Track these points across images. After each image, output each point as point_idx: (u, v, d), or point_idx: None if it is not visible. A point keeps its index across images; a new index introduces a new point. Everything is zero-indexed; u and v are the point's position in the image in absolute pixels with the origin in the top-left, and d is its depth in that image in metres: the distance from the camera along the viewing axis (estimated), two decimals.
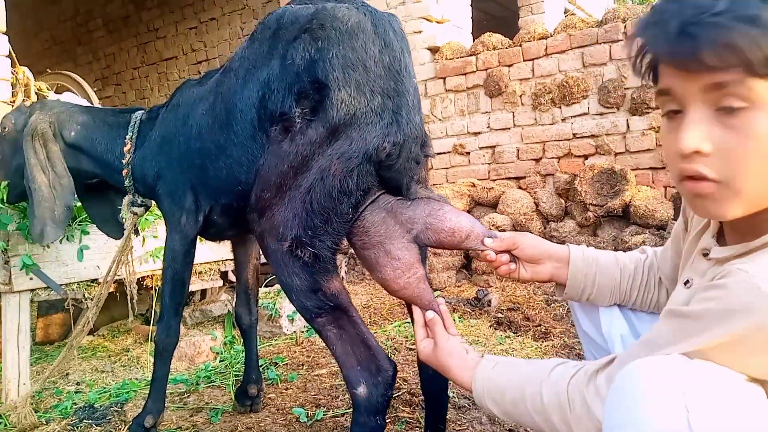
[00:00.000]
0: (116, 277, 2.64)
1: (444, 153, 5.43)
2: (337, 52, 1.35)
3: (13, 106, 3.70)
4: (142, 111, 2.22)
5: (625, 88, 4.44)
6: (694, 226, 1.10)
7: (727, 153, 0.82)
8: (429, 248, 1.55)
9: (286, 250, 1.39)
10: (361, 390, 1.34)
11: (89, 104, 4.05)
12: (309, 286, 1.39)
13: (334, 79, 1.34)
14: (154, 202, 2.24)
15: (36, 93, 3.98)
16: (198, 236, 2.00)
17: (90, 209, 2.47)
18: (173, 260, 1.98)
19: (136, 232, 2.43)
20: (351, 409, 1.43)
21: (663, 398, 0.78)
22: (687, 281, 1.04)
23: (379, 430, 1.36)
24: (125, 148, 2.11)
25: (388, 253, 1.39)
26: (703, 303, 0.85)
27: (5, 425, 2.28)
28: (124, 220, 2.27)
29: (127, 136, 2.12)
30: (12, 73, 3.67)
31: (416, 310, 1.38)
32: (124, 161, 2.11)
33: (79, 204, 2.53)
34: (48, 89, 4.03)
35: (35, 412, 2.34)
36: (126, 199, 2.23)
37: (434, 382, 1.62)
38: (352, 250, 1.54)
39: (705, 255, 1.00)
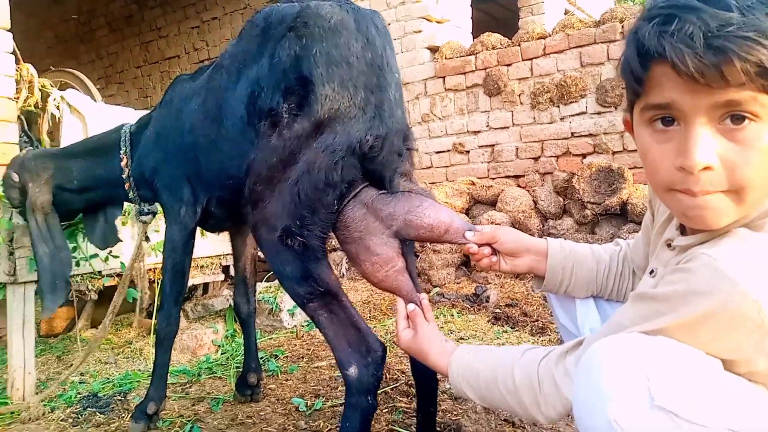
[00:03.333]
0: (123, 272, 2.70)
1: (444, 151, 5.47)
2: (320, 49, 1.40)
3: (17, 102, 3.75)
4: (128, 124, 2.30)
5: (622, 88, 4.47)
6: (659, 218, 1.14)
7: (734, 166, 0.83)
8: (427, 243, 1.60)
9: (277, 239, 1.44)
10: (353, 371, 1.39)
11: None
12: (300, 273, 1.44)
13: (318, 75, 1.39)
14: (160, 207, 2.32)
15: (40, 90, 4.04)
16: (198, 228, 2.06)
17: (85, 224, 2.55)
18: (173, 251, 2.04)
19: (147, 239, 2.51)
20: (342, 421, 1.46)
21: (625, 371, 0.83)
22: (652, 271, 1.08)
23: (370, 409, 1.40)
24: (122, 164, 2.20)
25: (368, 248, 1.45)
26: (669, 285, 0.89)
27: (11, 413, 2.32)
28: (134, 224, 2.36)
29: (122, 152, 2.20)
30: (16, 70, 3.72)
31: (399, 302, 1.44)
32: (124, 176, 2.19)
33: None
34: (51, 86, 4.08)
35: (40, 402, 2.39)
36: (133, 210, 2.31)
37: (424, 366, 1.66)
38: None
39: (669, 245, 1.04)
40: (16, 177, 2.29)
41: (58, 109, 4.08)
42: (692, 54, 0.78)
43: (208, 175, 1.86)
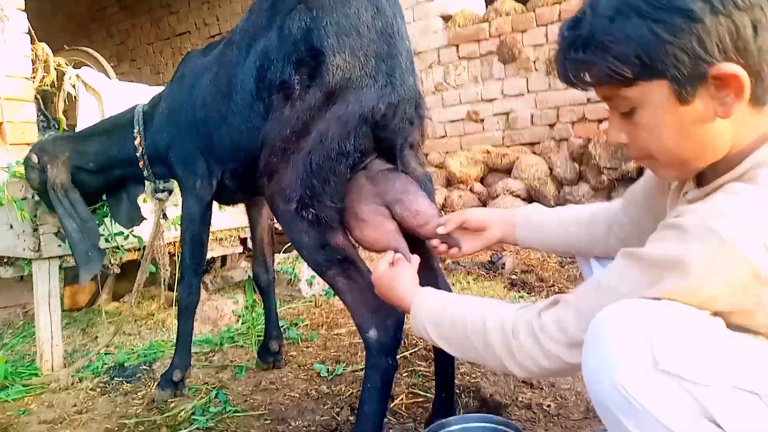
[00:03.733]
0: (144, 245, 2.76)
1: (458, 120, 5.45)
2: (330, 20, 1.42)
3: (34, 81, 3.78)
4: (142, 104, 2.32)
5: None
6: None
7: (636, 141, 0.99)
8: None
9: (293, 211, 1.47)
10: (372, 333, 1.42)
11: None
12: (317, 243, 1.47)
13: (329, 45, 1.41)
14: (175, 184, 2.36)
15: (55, 69, 4.07)
16: (213, 201, 2.10)
17: (109, 205, 2.58)
18: (191, 222, 2.09)
19: (164, 217, 2.55)
20: (364, 382, 1.50)
21: (629, 337, 0.84)
22: None
23: (391, 370, 1.44)
24: (136, 142, 2.22)
25: (357, 216, 1.49)
26: (661, 242, 0.91)
27: (42, 384, 2.40)
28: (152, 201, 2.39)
29: (135, 131, 2.22)
30: (31, 50, 3.75)
31: (388, 252, 1.43)
32: (138, 154, 2.22)
33: None
34: (66, 64, 4.11)
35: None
36: (149, 188, 2.35)
37: None
38: None
39: (685, 196, 1.06)
40: (35, 158, 2.34)
41: (74, 87, 4.11)
42: (558, 70, 1.01)
43: (220, 149, 1.90)
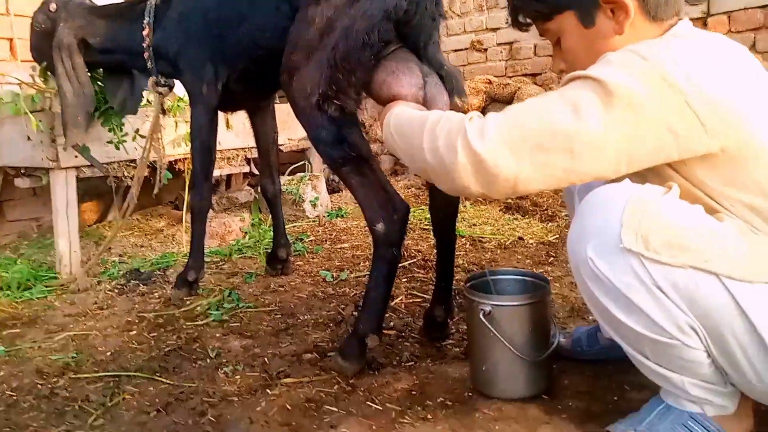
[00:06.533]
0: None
1: (461, 50, 5.45)
2: None
3: None
4: None
5: None
6: None
7: (568, 64, 1.26)
8: None
9: (314, 104, 1.55)
10: (380, 226, 1.53)
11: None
12: (334, 138, 1.56)
13: None
14: (177, 82, 2.42)
15: None
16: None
17: (108, 90, 2.58)
18: (199, 130, 2.20)
19: (164, 112, 2.61)
20: (371, 272, 1.62)
21: (603, 218, 1.03)
22: None
23: (395, 260, 1.56)
24: (144, 33, 2.26)
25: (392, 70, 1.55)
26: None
27: (62, 286, 2.55)
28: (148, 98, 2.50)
29: (145, 21, 2.26)
30: None
31: None
32: (144, 45, 2.26)
33: None
34: None
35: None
36: (150, 80, 2.39)
37: (443, 222, 1.78)
38: None
39: None
40: (54, 7, 2.39)
41: None
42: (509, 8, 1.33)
43: (234, 49, 1.99)
